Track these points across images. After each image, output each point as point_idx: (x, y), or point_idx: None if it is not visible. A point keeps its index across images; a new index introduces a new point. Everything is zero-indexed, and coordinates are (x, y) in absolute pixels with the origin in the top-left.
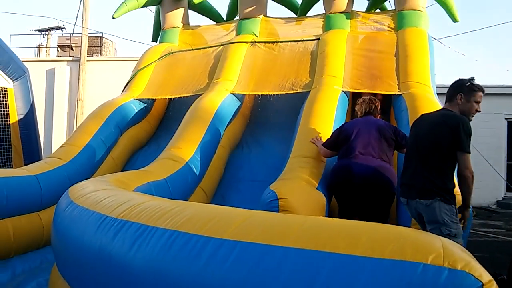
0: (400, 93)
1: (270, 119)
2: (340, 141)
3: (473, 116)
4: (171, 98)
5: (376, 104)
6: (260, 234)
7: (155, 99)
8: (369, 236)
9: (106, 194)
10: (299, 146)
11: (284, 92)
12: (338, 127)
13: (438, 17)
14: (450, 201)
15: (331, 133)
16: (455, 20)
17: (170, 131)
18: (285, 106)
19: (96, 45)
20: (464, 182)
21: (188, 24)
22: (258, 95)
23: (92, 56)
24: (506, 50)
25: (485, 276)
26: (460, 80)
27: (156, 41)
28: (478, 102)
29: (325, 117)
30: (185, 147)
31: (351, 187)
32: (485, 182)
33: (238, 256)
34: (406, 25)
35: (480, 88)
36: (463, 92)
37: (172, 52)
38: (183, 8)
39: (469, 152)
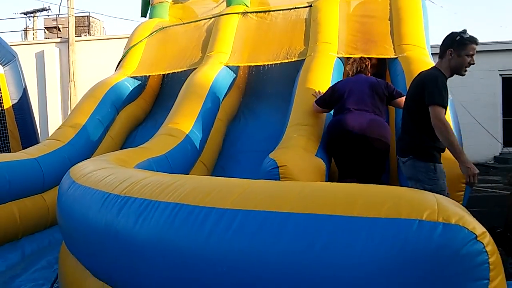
0: (395, 56)
1: (265, 89)
2: (333, 99)
3: (466, 70)
4: (165, 74)
5: (367, 63)
6: (260, 201)
7: (149, 76)
8: (365, 197)
9: (107, 173)
10: (296, 114)
11: (279, 62)
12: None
13: None
14: (426, 159)
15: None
16: None
17: (166, 107)
18: (280, 75)
19: (84, 25)
20: (437, 132)
21: None
22: (253, 66)
23: (80, 36)
24: (500, 5)
25: (478, 228)
26: (450, 34)
27: (145, 17)
28: (470, 55)
29: (321, 84)
30: (182, 121)
31: (347, 141)
32: (482, 139)
33: (240, 224)
34: None
35: (471, 40)
36: (453, 47)
37: (163, 28)
38: None
39: (440, 105)
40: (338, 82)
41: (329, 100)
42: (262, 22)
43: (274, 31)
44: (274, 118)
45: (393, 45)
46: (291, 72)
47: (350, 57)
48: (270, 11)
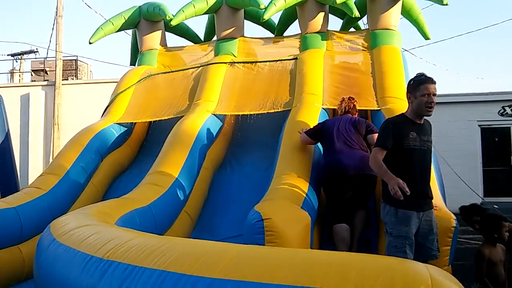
0: (379, 108)
1: (252, 138)
2: (322, 133)
3: (428, 110)
4: (151, 121)
5: (354, 103)
6: (250, 271)
7: (136, 123)
8: (359, 270)
9: (90, 231)
10: (282, 165)
11: (265, 111)
12: (317, 146)
13: (408, 27)
14: (390, 202)
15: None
16: (426, 38)
17: (151, 155)
18: (267, 125)
19: (71, 68)
20: (371, 166)
21: (166, 45)
22: (240, 114)
23: (68, 79)
24: (476, 58)
25: None
26: (409, 81)
27: (134, 65)
28: (426, 95)
29: None
30: (168, 171)
31: (344, 179)
32: (463, 188)
33: None
34: (379, 44)
35: (423, 81)
36: (410, 92)
37: (151, 75)
38: (160, 30)
39: (378, 146)
40: (327, 119)
41: (318, 133)
42: (249, 72)
43: (260, 81)
44: (260, 167)
45: (376, 98)
46: (277, 121)
47: (335, 108)
48: (257, 62)
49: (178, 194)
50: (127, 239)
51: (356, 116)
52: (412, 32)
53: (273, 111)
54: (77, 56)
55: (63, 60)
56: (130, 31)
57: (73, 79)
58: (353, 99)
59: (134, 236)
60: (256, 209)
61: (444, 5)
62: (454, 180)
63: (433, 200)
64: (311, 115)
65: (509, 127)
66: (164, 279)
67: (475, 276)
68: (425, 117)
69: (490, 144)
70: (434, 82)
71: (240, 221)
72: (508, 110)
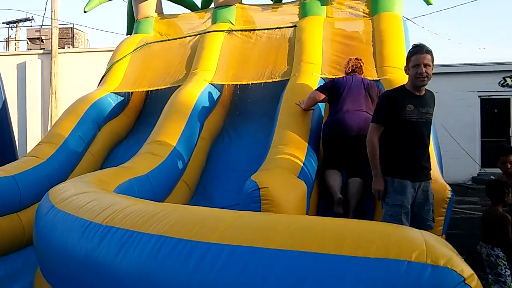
0: (378, 78)
1: (250, 108)
2: (332, 92)
3: (420, 80)
4: (148, 90)
5: (361, 63)
6: (247, 236)
7: (132, 92)
8: (354, 235)
9: (89, 198)
10: (279, 135)
11: (263, 81)
12: (317, 116)
13: None
14: (386, 172)
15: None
16: (428, 3)
17: (149, 124)
18: (265, 95)
19: (67, 37)
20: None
21: (162, 13)
22: (238, 84)
23: (64, 48)
24: (479, 27)
25: (466, 270)
26: None
27: (131, 34)
28: (417, 66)
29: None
30: (165, 140)
31: (344, 139)
32: (461, 159)
33: (226, 260)
34: (380, 10)
35: (413, 51)
36: (406, 64)
37: (148, 43)
38: None
39: (374, 122)
40: (338, 78)
41: (329, 90)
42: (247, 40)
43: (259, 50)
44: (258, 137)
45: (376, 67)
46: (275, 91)
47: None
48: (255, 30)
49: (176, 163)
50: (125, 206)
51: (362, 75)
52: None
53: (271, 80)
54: (73, 24)
55: (59, 28)
56: None
57: (69, 48)
58: (360, 59)
59: (132, 203)
60: (253, 179)
61: (429, 4)
62: (451, 151)
63: (431, 172)
64: (309, 85)
65: (509, 98)
66: (162, 244)
67: (495, 240)
68: (427, 89)
69: (489, 115)
70: (427, 52)
71: (238, 190)
72: (509, 80)
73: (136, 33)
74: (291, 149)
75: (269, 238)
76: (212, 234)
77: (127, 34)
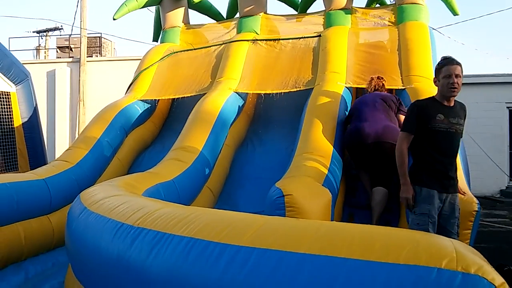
0: (403, 87)
1: (273, 116)
2: (353, 110)
3: (451, 90)
4: (174, 98)
5: (383, 82)
6: (276, 240)
7: (159, 100)
8: (383, 241)
9: (120, 201)
10: (304, 143)
11: (287, 90)
12: (341, 122)
13: (437, 6)
14: (414, 181)
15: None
16: (455, 14)
17: (174, 131)
18: (288, 104)
19: (95, 45)
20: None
21: (189, 23)
22: (262, 93)
23: (92, 56)
24: (505, 38)
25: (497, 279)
26: None
27: (157, 41)
28: (448, 76)
29: (329, 114)
30: (191, 146)
31: (364, 147)
32: (488, 171)
33: (255, 263)
34: (406, 19)
35: (444, 63)
36: (435, 76)
37: (174, 52)
38: (183, 8)
39: (404, 131)
40: (355, 100)
41: (350, 114)
42: (271, 50)
43: (283, 59)
44: (282, 146)
45: (401, 76)
46: (299, 100)
47: (359, 87)
48: (279, 39)
49: (201, 170)
50: (156, 208)
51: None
52: (440, 9)
53: (295, 89)
54: (101, 33)
55: (88, 37)
56: (153, 8)
57: (97, 56)
58: (382, 78)
59: (162, 206)
60: (277, 186)
61: (455, 15)
62: (479, 163)
63: (458, 184)
64: (334, 93)
65: None
66: (192, 246)
67: None
68: (457, 100)
69: None
70: (457, 64)
71: (261, 197)
72: None
73: (163, 42)
74: (316, 157)
75: (297, 242)
76: (241, 237)
77: (153, 42)
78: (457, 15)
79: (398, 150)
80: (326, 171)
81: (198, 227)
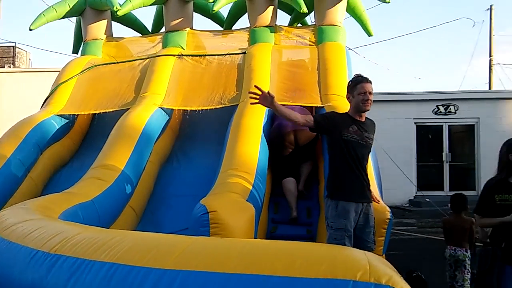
0: (322, 105)
1: (199, 132)
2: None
3: (364, 105)
4: (95, 113)
5: None
6: (201, 261)
7: (78, 115)
8: (304, 257)
9: (34, 226)
10: (229, 160)
11: (213, 107)
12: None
13: (353, 26)
14: (330, 195)
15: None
16: (369, 34)
17: (94, 148)
18: (214, 119)
19: (9, 56)
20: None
21: (112, 35)
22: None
23: (4, 67)
24: (414, 59)
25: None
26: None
27: (77, 53)
28: (362, 93)
29: (253, 131)
30: (112, 164)
31: (283, 135)
32: (398, 183)
33: (181, 285)
34: (325, 40)
35: (358, 80)
36: (348, 92)
37: (96, 65)
38: (106, 20)
39: (314, 117)
40: None
41: None
42: (197, 65)
43: (209, 75)
44: (207, 162)
45: (320, 94)
46: (225, 116)
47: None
48: (205, 55)
49: (123, 188)
50: (75, 233)
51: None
52: (355, 30)
53: (220, 106)
54: (15, 43)
55: (0, 46)
56: (74, 18)
57: (10, 67)
58: None
59: (82, 230)
60: (202, 203)
61: (387, 2)
62: (390, 174)
63: (372, 194)
64: (258, 110)
65: (442, 125)
66: (114, 272)
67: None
68: (367, 117)
69: (424, 141)
70: (370, 82)
71: (186, 215)
72: (441, 109)
73: (84, 55)
74: (240, 173)
75: (223, 262)
76: (166, 260)
77: (73, 53)
78: (371, 36)
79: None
80: (250, 187)
81: (120, 251)
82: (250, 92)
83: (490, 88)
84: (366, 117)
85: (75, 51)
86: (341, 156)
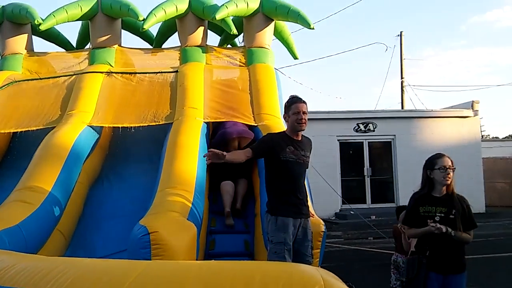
0: (255, 124)
1: (130, 151)
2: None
3: (299, 125)
4: (16, 132)
5: None
6: (158, 285)
7: None
8: (261, 275)
9: None
10: (166, 178)
11: (146, 124)
12: (201, 158)
13: (279, 48)
14: (270, 211)
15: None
16: (295, 57)
17: (16, 169)
18: (145, 137)
19: None
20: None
21: (33, 50)
22: (119, 126)
23: None
24: (335, 80)
25: None
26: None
27: None
28: (297, 113)
29: (190, 148)
30: (39, 186)
31: (228, 140)
32: (324, 197)
33: None
34: (255, 61)
35: (293, 101)
36: (285, 112)
37: (16, 81)
38: (27, 34)
39: (251, 148)
40: None
41: None
42: (128, 83)
43: (140, 93)
44: (140, 181)
45: (253, 114)
46: (157, 134)
47: (216, 121)
48: (136, 73)
49: (51, 211)
50: (13, 263)
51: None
52: (281, 51)
53: (154, 123)
54: None
55: None
56: None
57: None
58: None
59: (20, 259)
60: (142, 223)
61: (311, 28)
62: (318, 189)
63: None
64: (193, 128)
65: (362, 142)
66: None
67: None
68: (304, 135)
69: (347, 157)
70: (304, 102)
71: (121, 236)
72: (361, 126)
73: (1, 70)
74: (179, 191)
75: (182, 285)
76: (120, 286)
77: None
78: (297, 58)
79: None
80: (190, 205)
81: (68, 280)
82: (205, 155)
83: (402, 107)
84: (302, 135)
85: None
86: (279, 175)
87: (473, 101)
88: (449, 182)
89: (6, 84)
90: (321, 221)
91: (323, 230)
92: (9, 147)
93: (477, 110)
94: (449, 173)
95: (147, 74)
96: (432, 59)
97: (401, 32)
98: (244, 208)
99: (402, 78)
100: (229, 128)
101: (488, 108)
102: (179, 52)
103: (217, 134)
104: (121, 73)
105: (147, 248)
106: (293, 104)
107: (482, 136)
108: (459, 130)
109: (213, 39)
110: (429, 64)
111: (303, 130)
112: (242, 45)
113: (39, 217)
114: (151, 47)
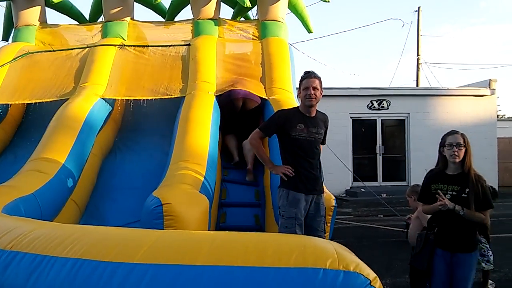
0: (267, 98)
1: (142, 124)
2: None
3: (309, 100)
4: (30, 103)
5: None
6: (172, 255)
7: (11, 104)
8: (274, 247)
9: None
10: (179, 151)
11: (158, 97)
12: (213, 132)
13: (293, 23)
14: (281, 184)
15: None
16: (309, 31)
17: (30, 140)
18: (157, 111)
19: None
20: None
21: (46, 22)
22: (131, 99)
23: None
24: (350, 56)
25: (371, 274)
26: None
27: (6, 40)
28: (306, 88)
29: (202, 123)
30: (53, 157)
31: (234, 101)
32: (336, 174)
33: (152, 280)
34: (269, 35)
35: (304, 77)
36: (298, 89)
37: (30, 52)
38: (40, 6)
39: (259, 129)
40: None
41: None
42: (140, 56)
43: (152, 66)
44: (152, 154)
45: (265, 88)
46: (169, 107)
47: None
48: (148, 46)
49: (65, 181)
50: (31, 229)
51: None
52: (295, 26)
53: (166, 97)
54: None
55: None
56: (3, 3)
57: None
58: None
59: (37, 226)
60: (155, 195)
61: (326, 1)
62: (329, 166)
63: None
64: (206, 102)
65: (376, 120)
66: (79, 268)
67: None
68: (319, 111)
69: (359, 134)
70: (315, 77)
71: (133, 208)
72: (375, 104)
73: (15, 41)
74: (191, 165)
75: (194, 255)
76: (135, 254)
77: (2, 41)
78: (311, 32)
79: (250, 143)
80: (202, 178)
81: (84, 247)
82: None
83: (417, 85)
84: (317, 111)
85: (5, 38)
86: (291, 152)
87: (490, 80)
88: (456, 160)
89: (20, 56)
90: (332, 196)
91: (334, 204)
92: (23, 118)
93: (494, 89)
94: (455, 151)
95: (160, 47)
96: (449, 36)
97: (418, 8)
98: (256, 179)
99: (418, 55)
100: (237, 89)
101: (505, 87)
102: (191, 25)
103: (224, 93)
104: (134, 46)
105: (159, 219)
106: (304, 80)
107: (497, 115)
108: (474, 109)
109: (226, 12)
110: (447, 41)
111: (313, 105)
112: (256, 18)
113: (54, 186)
114: (163, 20)
